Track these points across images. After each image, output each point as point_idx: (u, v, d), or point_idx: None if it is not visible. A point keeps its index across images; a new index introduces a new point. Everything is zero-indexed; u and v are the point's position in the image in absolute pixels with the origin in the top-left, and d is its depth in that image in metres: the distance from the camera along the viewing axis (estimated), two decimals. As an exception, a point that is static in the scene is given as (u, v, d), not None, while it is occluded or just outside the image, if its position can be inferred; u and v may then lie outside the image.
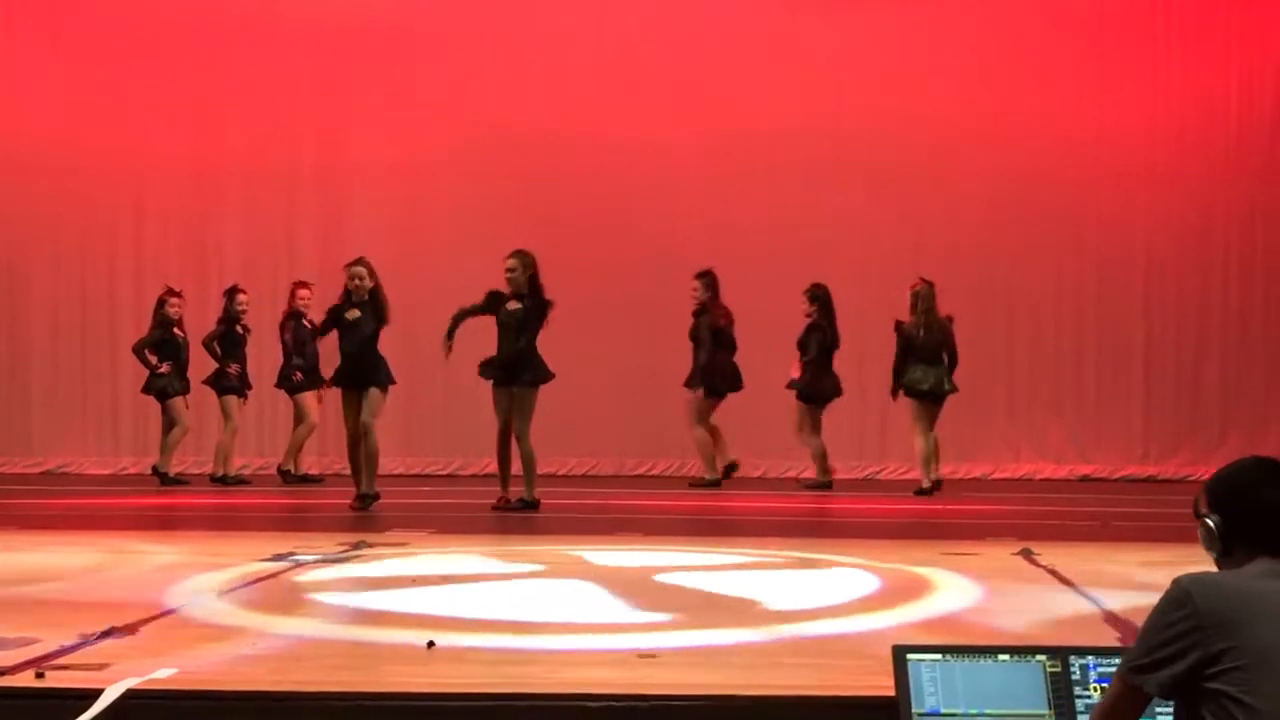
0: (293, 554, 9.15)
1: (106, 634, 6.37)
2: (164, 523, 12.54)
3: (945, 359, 14.40)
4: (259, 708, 5.32)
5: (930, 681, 4.50)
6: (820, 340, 14.82)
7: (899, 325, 14.44)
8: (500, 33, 17.01)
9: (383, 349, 12.48)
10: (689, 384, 15.15)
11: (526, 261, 12.39)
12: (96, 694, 5.21)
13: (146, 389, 15.49)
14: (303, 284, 15.33)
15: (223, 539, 10.57)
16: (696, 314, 15.15)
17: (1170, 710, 3.76)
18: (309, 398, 15.37)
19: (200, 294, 16.08)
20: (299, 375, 15.28)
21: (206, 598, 7.60)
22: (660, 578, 8.65)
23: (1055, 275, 16.89)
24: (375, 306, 12.41)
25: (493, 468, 15.52)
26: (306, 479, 15.60)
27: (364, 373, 12.34)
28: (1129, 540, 10.26)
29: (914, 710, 4.47)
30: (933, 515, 12.90)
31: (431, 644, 6.18)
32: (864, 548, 9.91)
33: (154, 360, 15.28)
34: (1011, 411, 16.89)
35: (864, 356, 15.52)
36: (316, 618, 7.26)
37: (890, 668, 4.52)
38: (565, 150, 16.59)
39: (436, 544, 10.33)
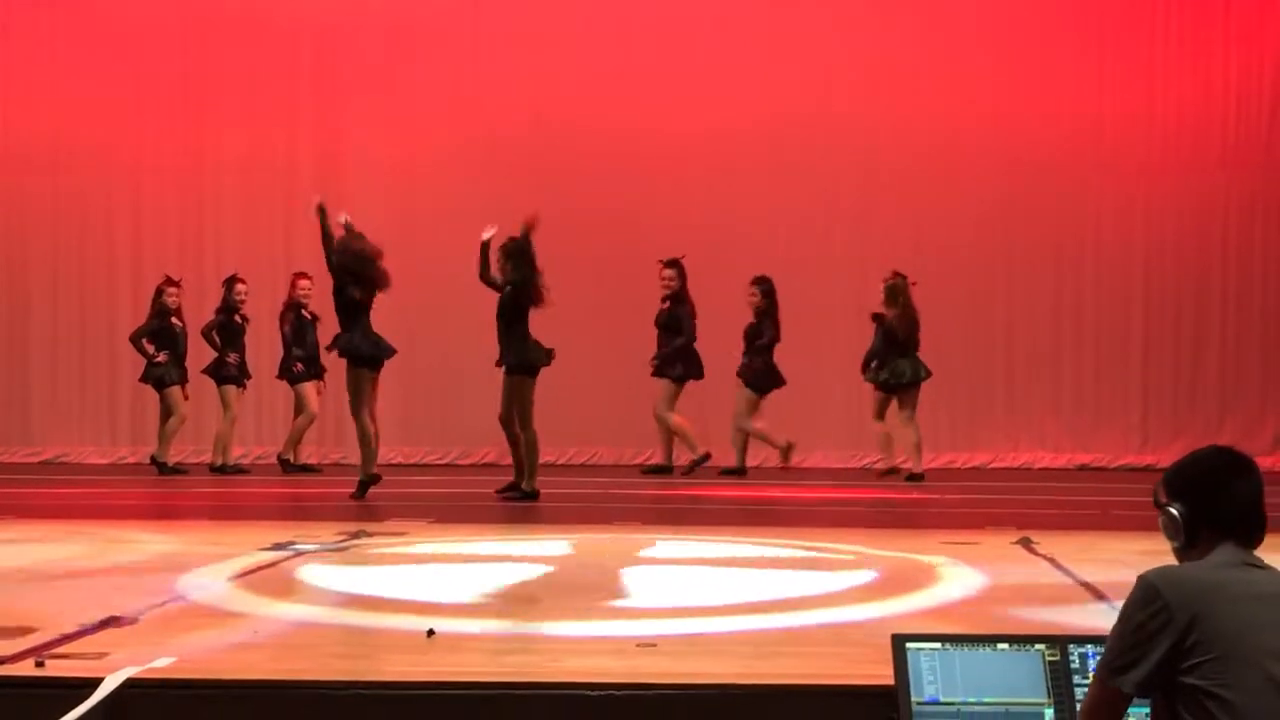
0: (292, 543, 9.15)
1: (106, 623, 6.38)
2: (163, 512, 12.54)
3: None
4: (258, 696, 5.32)
5: (929, 670, 4.51)
6: (772, 330, 15.08)
7: (880, 318, 14.83)
8: (499, 26, 16.96)
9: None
10: (668, 374, 15.17)
11: (506, 250, 12.44)
12: (96, 683, 5.22)
13: (144, 378, 15.51)
14: (303, 274, 15.31)
15: (222, 528, 10.58)
16: (671, 301, 15.19)
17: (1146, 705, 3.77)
18: (309, 388, 15.37)
19: (198, 284, 16.06)
20: (299, 366, 15.28)
21: (206, 586, 7.60)
22: (659, 566, 8.66)
23: (1054, 266, 16.87)
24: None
25: (491, 457, 15.56)
26: (306, 468, 15.60)
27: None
28: (1128, 529, 10.25)
29: (913, 699, 4.48)
30: (932, 504, 12.90)
31: (431, 632, 6.19)
32: (863, 537, 9.92)
33: (151, 349, 15.29)
34: (1011, 401, 16.88)
35: (863, 351, 15.44)
36: (316, 606, 7.26)
37: (890, 656, 4.53)
38: (564, 144, 16.56)
39: (436, 533, 10.33)
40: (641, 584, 8.00)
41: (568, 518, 11.49)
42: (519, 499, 12.37)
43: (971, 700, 4.50)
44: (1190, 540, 3.78)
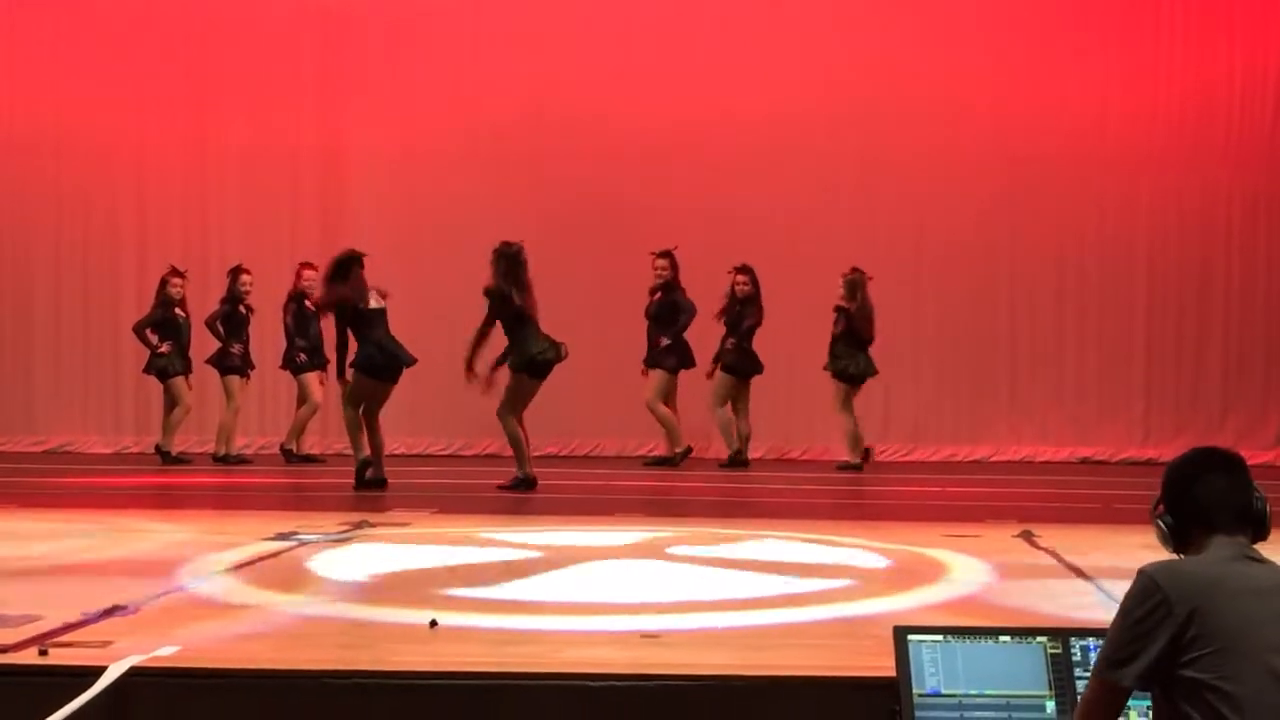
0: (295, 533, 9.17)
1: (109, 612, 6.39)
2: (166, 501, 12.55)
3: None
4: (261, 686, 5.34)
5: (931, 662, 4.52)
6: (757, 314, 15.18)
7: (844, 310, 14.94)
8: (502, 19, 16.96)
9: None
10: (664, 364, 15.18)
11: (495, 255, 12.52)
12: (100, 671, 5.23)
13: (147, 369, 15.52)
14: (308, 265, 15.27)
15: (225, 518, 10.60)
16: (661, 291, 15.20)
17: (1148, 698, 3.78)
18: (312, 379, 15.38)
19: (202, 275, 16.08)
20: (303, 356, 15.30)
21: (209, 576, 7.62)
22: (663, 558, 8.67)
23: (1057, 262, 16.86)
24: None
25: (493, 448, 15.59)
26: (309, 459, 15.61)
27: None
28: (1130, 522, 10.25)
29: (915, 691, 4.49)
30: (933, 498, 12.91)
31: (434, 623, 6.20)
32: (867, 529, 9.94)
33: (154, 340, 15.30)
34: (1013, 394, 16.87)
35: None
36: (319, 596, 7.28)
37: (891, 648, 4.54)
38: (567, 137, 16.55)
39: (438, 523, 10.35)
40: (645, 575, 8.01)
41: (570, 508, 11.50)
42: (516, 488, 12.41)
43: (973, 692, 4.51)
44: (1182, 544, 3.82)
